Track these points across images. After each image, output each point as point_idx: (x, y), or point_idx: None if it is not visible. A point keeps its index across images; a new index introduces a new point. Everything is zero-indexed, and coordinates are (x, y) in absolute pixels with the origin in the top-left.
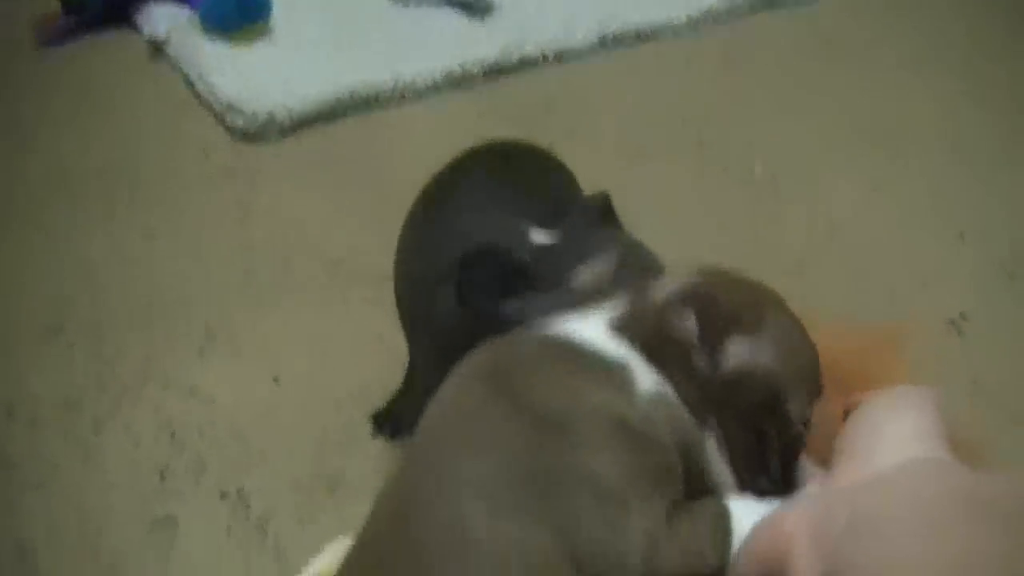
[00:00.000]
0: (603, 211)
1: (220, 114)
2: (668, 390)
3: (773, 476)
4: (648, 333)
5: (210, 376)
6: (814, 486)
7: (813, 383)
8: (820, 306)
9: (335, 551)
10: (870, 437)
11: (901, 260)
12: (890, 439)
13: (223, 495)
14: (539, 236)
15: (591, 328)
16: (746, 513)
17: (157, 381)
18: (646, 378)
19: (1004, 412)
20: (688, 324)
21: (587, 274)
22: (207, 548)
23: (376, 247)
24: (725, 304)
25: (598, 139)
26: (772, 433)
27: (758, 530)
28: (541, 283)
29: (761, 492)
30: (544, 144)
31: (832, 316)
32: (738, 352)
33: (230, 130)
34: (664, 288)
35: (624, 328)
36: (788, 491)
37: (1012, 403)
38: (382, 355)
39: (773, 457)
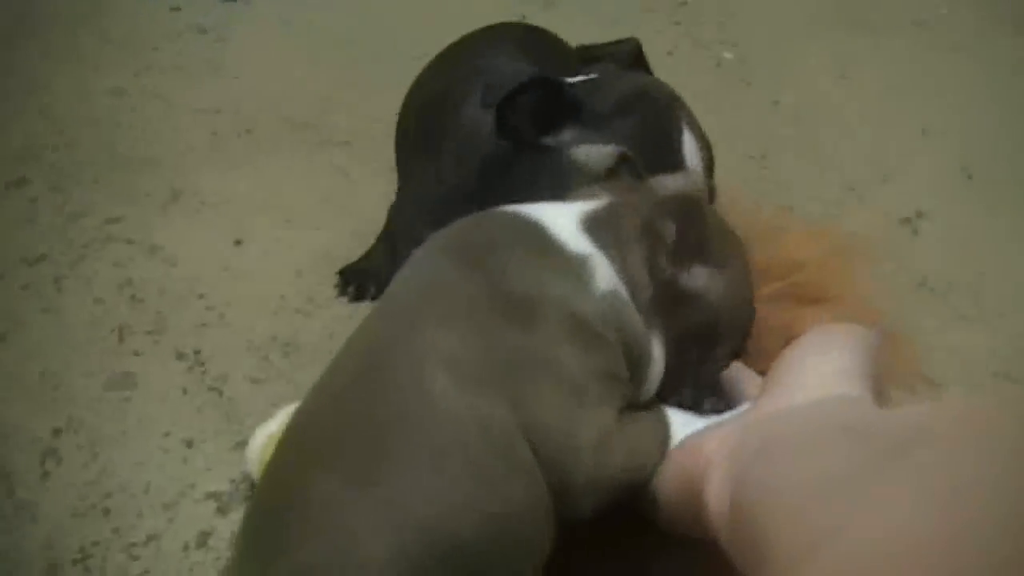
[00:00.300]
0: (635, 55)
1: None
2: (623, 291)
3: (684, 401)
4: (623, 229)
5: (173, 236)
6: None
7: (741, 340)
8: (780, 194)
9: (288, 414)
10: (796, 373)
11: (863, 153)
12: (813, 376)
13: (180, 355)
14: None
15: (564, 219)
16: (683, 426)
17: (120, 238)
18: (605, 276)
19: (951, 310)
20: (669, 230)
21: (593, 152)
22: (163, 407)
23: (344, 111)
24: (704, 230)
25: (574, 9)
26: (693, 362)
27: (679, 449)
28: (583, 118)
29: (679, 406)
30: (519, 15)
31: (792, 205)
32: (699, 276)
33: None
34: (655, 192)
35: (596, 224)
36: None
37: (959, 303)
38: (345, 222)
39: (688, 382)
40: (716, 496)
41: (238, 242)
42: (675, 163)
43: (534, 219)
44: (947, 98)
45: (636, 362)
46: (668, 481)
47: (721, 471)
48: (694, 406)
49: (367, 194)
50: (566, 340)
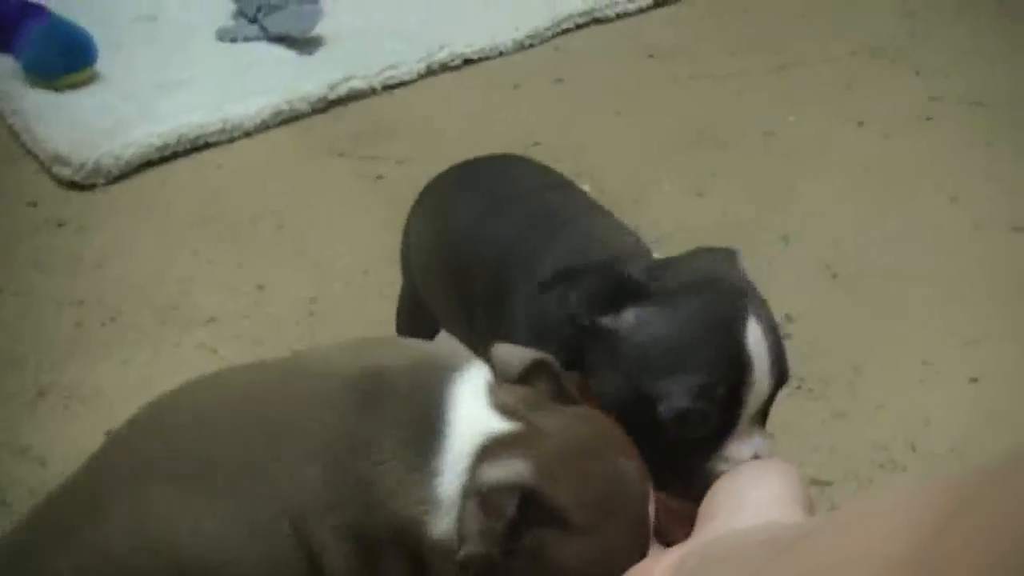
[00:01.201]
0: (731, 259)
1: (46, 164)
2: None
3: None
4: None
5: (42, 434)
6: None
7: None
8: None
9: None
10: (735, 499)
11: None
12: (752, 503)
13: None
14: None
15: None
16: None
17: None
18: (444, 529)
19: (828, 408)
20: (503, 519)
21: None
22: None
23: (208, 289)
24: (553, 503)
25: (432, 164)
26: None
27: None
28: (649, 299)
29: None
30: (375, 175)
31: None
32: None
33: (57, 180)
34: (491, 470)
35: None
36: None
37: (833, 401)
38: None
39: None
40: None
41: (108, 433)
42: (736, 348)
43: (427, 417)
44: (803, 202)
45: None
46: None
47: None
48: None
49: None
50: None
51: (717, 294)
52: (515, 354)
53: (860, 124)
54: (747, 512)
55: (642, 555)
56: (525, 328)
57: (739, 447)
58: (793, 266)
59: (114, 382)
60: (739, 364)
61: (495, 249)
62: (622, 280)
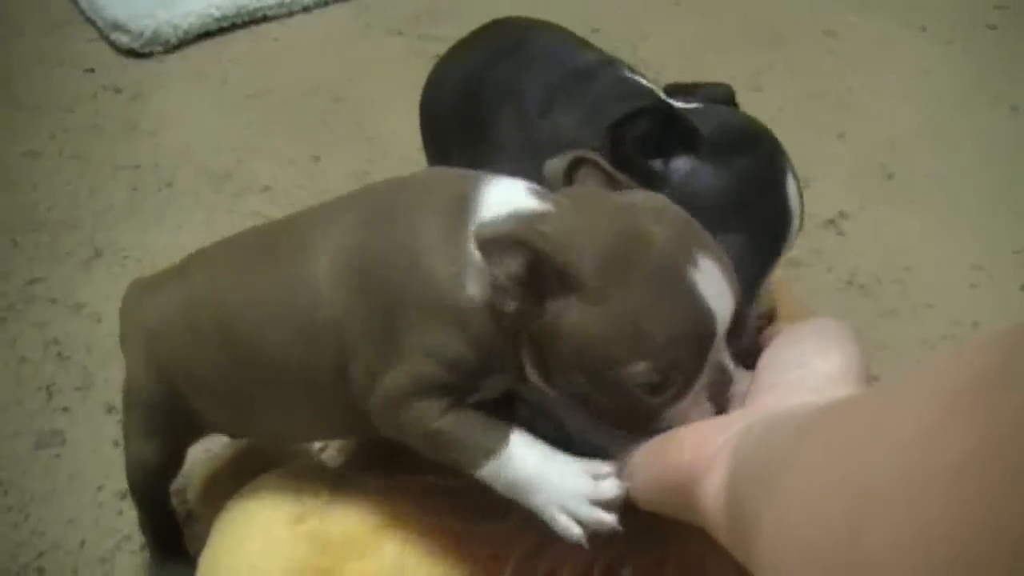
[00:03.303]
0: (729, 100)
1: (105, 32)
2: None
3: (521, 417)
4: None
5: (97, 292)
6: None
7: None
8: None
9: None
10: (796, 371)
11: None
12: (813, 378)
13: (110, 409)
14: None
15: (492, 210)
16: (522, 447)
17: (43, 297)
18: (475, 287)
19: (880, 306)
20: (504, 272)
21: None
22: (95, 461)
23: (263, 159)
24: (556, 261)
25: None
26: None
27: (664, 448)
28: (698, 149)
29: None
30: (432, 54)
31: None
32: (559, 310)
33: (115, 47)
34: (509, 220)
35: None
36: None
37: (887, 298)
38: None
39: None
40: (714, 497)
41: None
42: (781, 208)
43: (464, 196)
44: (861, 102)
45: (476, 369)
46: (651, 479)
47: (720, 473)
48: (529, 425)
49: None
50: (421, 324)
51: (762, 153)
52: (556, 161)
53: (923, 29)
54: (811, 387)
55: (694, 328)
56: (517, 149)
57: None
58: (848, 164)
59: (168, 245)
60: (784, 226)
61: (474, 81)
62: (677, 125)
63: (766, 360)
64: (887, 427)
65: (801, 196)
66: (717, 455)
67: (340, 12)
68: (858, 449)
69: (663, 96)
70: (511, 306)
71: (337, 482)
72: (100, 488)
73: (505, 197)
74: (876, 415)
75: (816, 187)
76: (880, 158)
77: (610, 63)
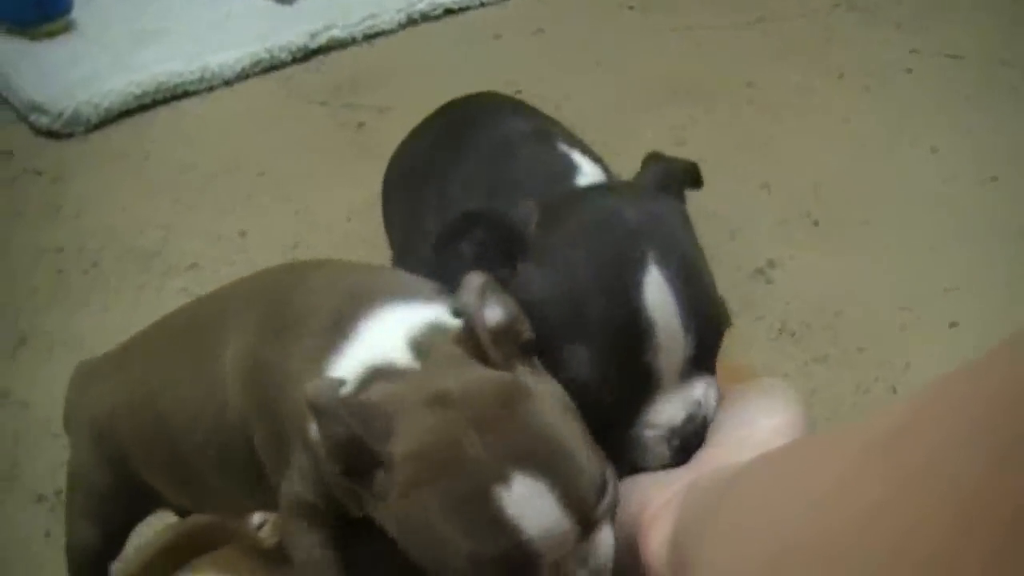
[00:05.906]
0: (681, 176)
1: (23, 113)
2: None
3: None
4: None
5: (23, 380)
6: None
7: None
8: None
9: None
10: (744, 428)
11: (708, 212)
12: (760, 433)
13: (40, 498)
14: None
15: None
16: None
17: None
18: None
19: (809, 351)
20: (326, 438)
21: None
22: (25, 553)
23: (189, 236)
24: (366, 446)
25: (411, 114)
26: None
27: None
28: (532, 253)
29: None
30: (356, 123)
31: None
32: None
33: (34, 129)
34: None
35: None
36: None
37: (814, 344)
38: None
39: None
40: (656, 549)
41: None
42: (632, 310)
43: (346, 318)
44: (784, 151)
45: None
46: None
47: (663, 527)
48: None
49: None
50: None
51: (606, 243)
52: (466, 296)
53: (840, 76)
54: (758, 442)
55: (493, 550)
56: (435, 266)
57: (666, 409)
58: (774, 213)
59: (94, 327)
60: (636, 327)
61: (416, 161)
62: (509, 231)
63: (715, 420)
64: (801, 482)
65: (697, 289)
66: (661, 510)
67: (261, 85)
68: (775, 505)
69: (588, 167)
70: (336, 468)
71: (270, 566)
72: None
73: (380, 337)
74: (791, 471)
75: (743, 237)
76: (805, 205)
77: (545, 135)
